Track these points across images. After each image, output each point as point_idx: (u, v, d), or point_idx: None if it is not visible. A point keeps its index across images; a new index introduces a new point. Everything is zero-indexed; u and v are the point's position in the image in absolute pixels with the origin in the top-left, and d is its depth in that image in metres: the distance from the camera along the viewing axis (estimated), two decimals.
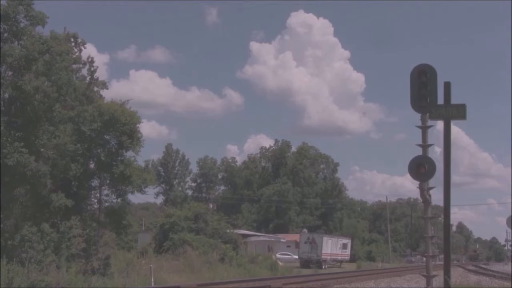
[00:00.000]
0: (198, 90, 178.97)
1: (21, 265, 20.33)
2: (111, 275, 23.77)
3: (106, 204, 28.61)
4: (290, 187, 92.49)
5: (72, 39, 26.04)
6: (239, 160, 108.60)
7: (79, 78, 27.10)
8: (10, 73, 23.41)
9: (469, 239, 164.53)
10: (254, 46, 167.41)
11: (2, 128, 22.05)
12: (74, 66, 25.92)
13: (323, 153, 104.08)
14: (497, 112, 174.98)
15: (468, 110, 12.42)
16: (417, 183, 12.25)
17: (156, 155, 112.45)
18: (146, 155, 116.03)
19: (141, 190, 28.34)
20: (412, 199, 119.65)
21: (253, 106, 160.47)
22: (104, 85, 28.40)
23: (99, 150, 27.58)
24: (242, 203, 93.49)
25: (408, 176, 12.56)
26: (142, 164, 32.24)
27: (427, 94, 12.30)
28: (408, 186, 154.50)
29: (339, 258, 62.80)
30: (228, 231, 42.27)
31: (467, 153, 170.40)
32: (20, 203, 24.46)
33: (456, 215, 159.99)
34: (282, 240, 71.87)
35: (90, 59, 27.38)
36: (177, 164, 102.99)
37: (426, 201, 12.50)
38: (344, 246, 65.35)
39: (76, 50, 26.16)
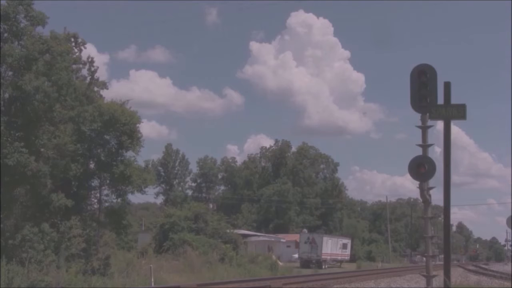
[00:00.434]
0: (198, 90, 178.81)
1: (21, 265, 20.34)
2: (111, 275, 23.75)
3: (106, 204, 28.63)
4: (290, 187, 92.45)
5: (72, 39, 26.07)
6: (239, 160, 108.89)
7: (79, 78, 27.11)
8: (10, 73, 23.45)
9: (469, 239, 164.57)
10: (254, 46, 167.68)
11: (2, 128, 22.07)
12: (74, 66, 25.96)
13: (323, 153, 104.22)
14: (497, 112, 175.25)
15: (468, 110, 12.44)
16: (417, 183, 12.24)
17: (156, 155, 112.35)
18: (146, 155, 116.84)
19: (141, 190, 28.34)
20: (412, 199, 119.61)
21: (253, 106, 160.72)
22: (104, 85, 28.42)
23: (99, 150, 27.59)
24: (242, 203, 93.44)
25: (408, 176, 12.57)
26: (142, 164, 32.38)
27: (427, 94, 12.28)
28: (408, 186, 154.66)
29: (339, 258, 62.77)
30: (228, 231, 42.27)
31: (467, 153, 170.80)
32: (20, 203, 24.51)
33: (456, 215, 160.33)
34: (282, 240, 71.83)
35: (90, 59, 27.42)
36: (177, 164, 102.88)
37: (426, 201, 12.50)
38: (344, 246, 65.33)
39: (76, 50, 26.21)
